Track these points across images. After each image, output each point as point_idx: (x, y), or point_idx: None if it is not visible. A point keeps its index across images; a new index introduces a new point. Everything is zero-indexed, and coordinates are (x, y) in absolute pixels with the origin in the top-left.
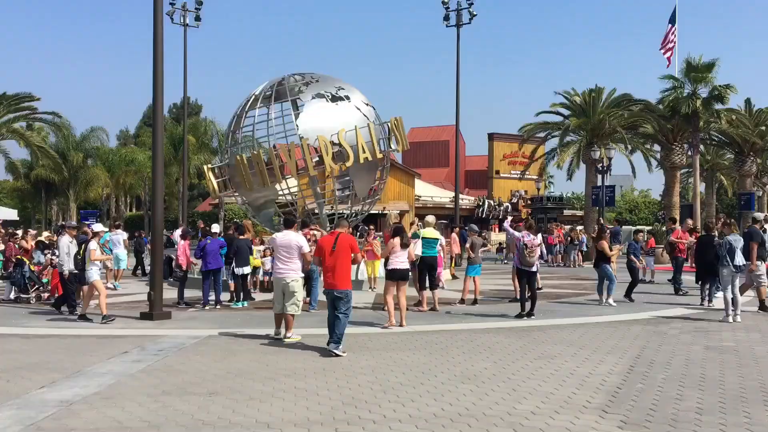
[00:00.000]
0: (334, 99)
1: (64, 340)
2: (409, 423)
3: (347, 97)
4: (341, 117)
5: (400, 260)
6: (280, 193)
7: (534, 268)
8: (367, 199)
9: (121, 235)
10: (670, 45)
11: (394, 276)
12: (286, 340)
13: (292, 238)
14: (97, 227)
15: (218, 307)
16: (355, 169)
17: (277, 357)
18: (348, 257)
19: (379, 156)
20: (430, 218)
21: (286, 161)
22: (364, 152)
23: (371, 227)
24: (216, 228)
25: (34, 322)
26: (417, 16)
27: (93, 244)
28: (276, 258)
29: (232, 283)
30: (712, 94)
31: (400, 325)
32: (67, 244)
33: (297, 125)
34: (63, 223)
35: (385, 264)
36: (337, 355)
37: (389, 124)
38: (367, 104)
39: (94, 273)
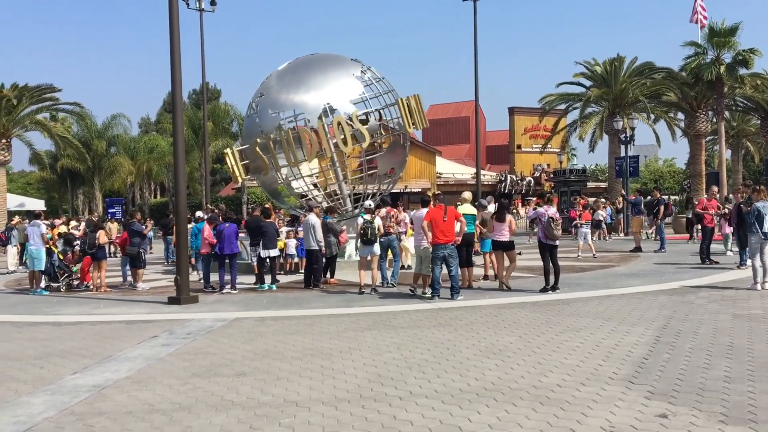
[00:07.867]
0: (249, 108)
1: (94, 326)
2: (435, 399)
3: (256, 106)
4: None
5: (500, 233)
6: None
7: (557, 242)
8: (387, 178)
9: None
10: (700, 15)
11: (496, 247)
12: (424, 294)
13: (422, 214)
14: (368, 203)
15: (234, 291)
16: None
17: (303, 337)
18: (454, 223)
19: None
20: (467, 194)
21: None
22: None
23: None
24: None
25: (65, 310)
26: None
27: (378, 221)
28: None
29: (255, 266)
30: (735, 59)
31: (504, 288)
32: (318, 222)
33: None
34: (309, 203)
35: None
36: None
37: (400, 104)
38: (274, 114)
39: (377, 247)
